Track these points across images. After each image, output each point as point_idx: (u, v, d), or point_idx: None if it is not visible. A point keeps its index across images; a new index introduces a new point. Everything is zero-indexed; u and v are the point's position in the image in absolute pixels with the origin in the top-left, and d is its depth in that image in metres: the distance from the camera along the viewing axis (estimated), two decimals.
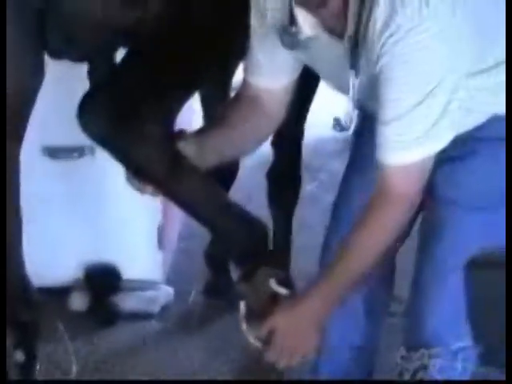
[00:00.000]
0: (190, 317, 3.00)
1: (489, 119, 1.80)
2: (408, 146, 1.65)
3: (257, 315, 1.88)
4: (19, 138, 1.90)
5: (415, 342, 1.94)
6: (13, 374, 1.98)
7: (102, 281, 3.02)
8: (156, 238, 3.11)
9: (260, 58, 1.85)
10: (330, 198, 2.21)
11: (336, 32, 1.69)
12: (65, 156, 2.94)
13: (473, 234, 1.82)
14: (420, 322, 1.91)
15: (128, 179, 2.05)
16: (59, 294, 2.97)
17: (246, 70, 1.92)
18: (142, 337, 2.89)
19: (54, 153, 2.94)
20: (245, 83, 1.93)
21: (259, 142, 2.07)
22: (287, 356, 1.83)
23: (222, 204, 2.09)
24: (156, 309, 3.02)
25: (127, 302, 3.00)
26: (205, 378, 2.65)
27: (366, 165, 1.96)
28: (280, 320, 1.80)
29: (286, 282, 1.97)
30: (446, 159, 1.79)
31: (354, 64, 1.70)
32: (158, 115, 1.90)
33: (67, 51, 1.95)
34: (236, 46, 1.90)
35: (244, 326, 1.89)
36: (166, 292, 3.07)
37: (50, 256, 2.96)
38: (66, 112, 2.83)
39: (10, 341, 1.95)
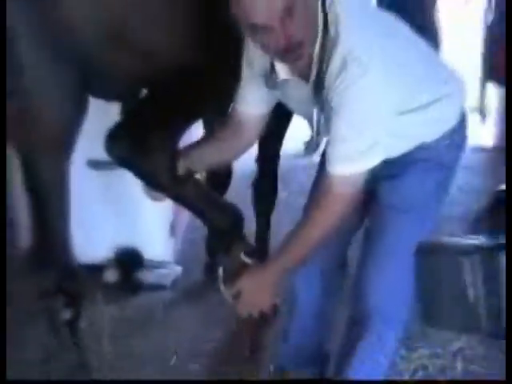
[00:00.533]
0: (193, 289, 3.01)
1: (416, 147, 1.84)
2: (350, 162, 1.67)
3: (230, 278, 1.91)
4: (69, 153, 1.91)
5: (358, 312, 1.93)
6: (61, 329, 1.99)
7: (129, 260, 3.03)
8: (169, 228, 3.12)
9: (247, 93, 1.87)
10: (300, 202, 2.22)
11: (304, 77, 1.73)
12: (103, 167, 2.95)
13: (409, 228, 1.86)
14: (362, 297, 1.90)
15: (144, 190, 2.10)
16: (97, 269, 2.99)
17: (235, 100, 1.92)
18: (158, 303, 2.89)
19: (95, 165, 2.96)
20: (233, 109, 1.94)
21: (240, 153, 2.06)
22: (251, 308, 1.87)
23: (208, 199, 2.11)
24: (168, 282, 3.04)
25: (147, 277, 3.02)
26: (205, 336, 2.63)
27: None
28: (246, 282, 1.84)
29: (252, 254, 2.01)
30: (386, 177, 1.85)
31: (316, 101, 1.74)
32: (164, 143, 1.93)
33: (104, 93, 1.97)
34: (231, 87, 1.92)
35: (221, 286, 1.93)
36: (176, 270, 3.08)
37: (91, 241, 2.96)
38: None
39: (59, 302, 1.96)
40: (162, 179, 1.96)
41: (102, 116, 2.60)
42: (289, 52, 1.61)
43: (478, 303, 1.67)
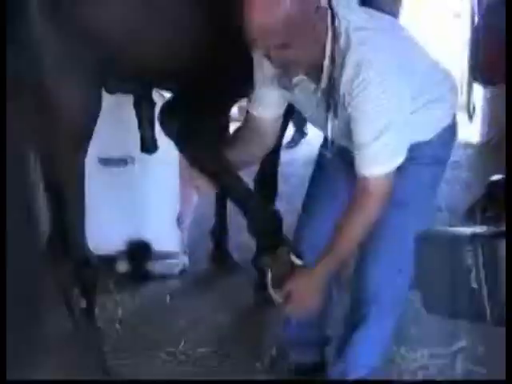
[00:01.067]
0: (199, 277, 3.00)
1: (413, 144, 1.78)
2: (381, 164, 1.66)
3: (279, 280, 1.82)
4: (84, 151, 1.88)
5: (357, 301, 1.94)
6: (78, 317, 1.98)
7: (139, 251, 3.00)
8: (176, 221, 3.11)
9: (260, 96, 1.82)
10: (298, 196, 2.20)
11: (315, 81, 1.69)
12: (114, 165, 2.95)
13: (405, 221, 1.82)
14: (360, 286, 1.92)
15: (190, 182, 2.02)
16: (110, 260, 2.97)
17: (250, 104, 1.87)
18: (167, 291, 2.87)
19: (106, 162, 2.95)
20: (248, 114, 1.88)
21: (260, 157, 2.05)
22: (301, 309, 1.83)
23: (253, 197, 2.03)
24: (176, 271, 3.02)
25: (156, 267, 3.00)
26: (211, 321, 2.62)
27: (326, 175, 1.98)
28: (295, 284, 1.79)
29: (299, 256, 1.88)
30: None
31: (329, 107, 1.70)
32: (213, 121, 1.90)
33: (119, 89, 1.95)
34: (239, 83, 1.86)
35: (270, 289, 1.84)
36: (183, 260, 3.06)
37: (105, 234, 2.96)
38: (117, 134, 2.85)
39: (76, 292, 1.94)
40: (209, 161, 1.85)
41: (112, 117, 2.61)
42: (285, 70, 1.63)
43: (481, 292, 1.65)
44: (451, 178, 3.98)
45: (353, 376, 1.98)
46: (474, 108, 4.64)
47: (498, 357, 1.83)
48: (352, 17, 1.64)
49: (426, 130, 1.81)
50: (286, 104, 1.88)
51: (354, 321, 1.96)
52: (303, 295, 1.79)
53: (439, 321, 2.34)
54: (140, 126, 2.37)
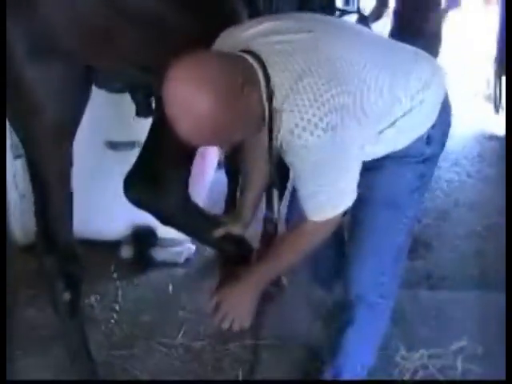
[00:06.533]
0: (205, 266, 2.89)
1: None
2: (325, 213, 1.56)
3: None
4: (71, 139, 1.79)
5: (345, 300, 1.92)
6: (61, 310, 1.88)
7: (144, 238, 2.92)
8: None
9: None
10: None
11: None
12: (121, 148, 2.87)
13: (388, 221, 1.76)
14: (346, 286, 1.89)
15: None
16: (113, 245, 2.91)
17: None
18: (170, 279, 2.79)
19: (113, 146, 2.88)
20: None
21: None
22: (229, 321, 1.63)
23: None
24: (181, 259, 2.93)
25: (161, 254, 2.92)
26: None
27: None
28: (224, 295, 1.65)
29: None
30: (365, 169, 1.60)
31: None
32: (179, 178, 1.87)
33: (107, 86, 1.88)
34: None
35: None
36: (189, 248, 2.97)
37: (109, 218, 2.92)
38: (124, 118, 2.77)
39: (60, 285, 1.85)
40: (177, 217, 1.92)
41: (119, 101, 2.53)
42: None
43: None
44: (472, 171, 3.84)
45: (347, 376, 1.96)
46: (500, 100, 4.49)
47: (497, 357, 1.79)
48: (286, 68, 1.43)
49: (402, 140, 1.66)
50: None
51: (343, 322, 1.92)
52: (231, 308, 1.63)
53: (439, 321, 2.40)
54: (134, 96, 2.25)
